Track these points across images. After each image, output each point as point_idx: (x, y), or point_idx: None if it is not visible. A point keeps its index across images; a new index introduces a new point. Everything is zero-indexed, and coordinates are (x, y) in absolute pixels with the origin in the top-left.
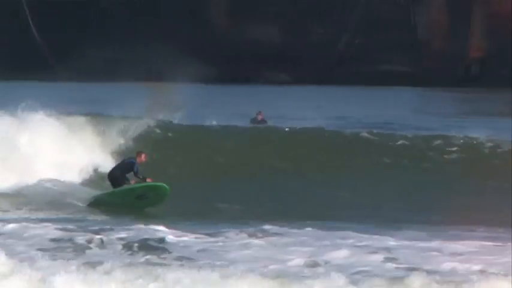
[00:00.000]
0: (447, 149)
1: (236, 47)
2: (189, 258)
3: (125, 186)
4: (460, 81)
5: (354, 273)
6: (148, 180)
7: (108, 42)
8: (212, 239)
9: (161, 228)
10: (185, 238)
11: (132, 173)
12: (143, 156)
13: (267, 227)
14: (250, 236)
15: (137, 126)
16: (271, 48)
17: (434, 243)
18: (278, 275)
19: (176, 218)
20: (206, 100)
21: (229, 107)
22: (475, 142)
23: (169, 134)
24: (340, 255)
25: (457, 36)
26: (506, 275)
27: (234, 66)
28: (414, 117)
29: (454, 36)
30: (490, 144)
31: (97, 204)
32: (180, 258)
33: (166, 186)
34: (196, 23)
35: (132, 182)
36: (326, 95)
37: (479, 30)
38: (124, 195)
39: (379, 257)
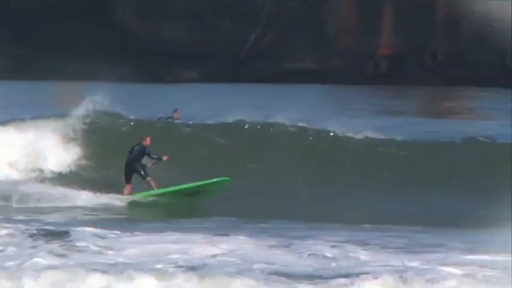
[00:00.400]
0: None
1: (146, 45)
2: None
3: (181, 186)
4: (368, 78)
5: None
6: (164, 158)
7: (20, 41)
8: None
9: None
10: None
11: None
12: (148, 139)
13: None
14: None
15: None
16: (181, 46)
17: None
18: None
19: None
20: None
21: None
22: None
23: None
24: None
25: (366, 34)
26: None
27: (145, 64)
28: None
29: (363, 34)
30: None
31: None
32: None
33: (227, 179)
34: (106, 22)
35: (149, 165)
36: (236, 92)
37: (389, 28)
38: (176, 195)
39: None
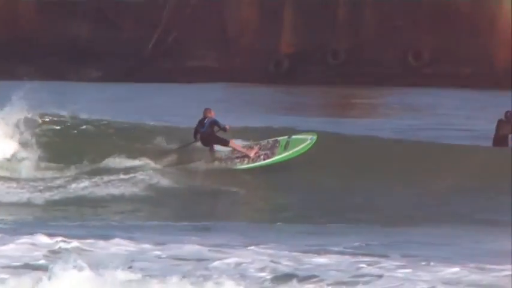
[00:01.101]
0: None
1: (49, 43)
2: None
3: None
4: (270, 77)
5: None
6: (227, 127)
7: None
8: None
9: None
10: None
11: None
12: (212, 112)
13: None
14: None
15: None
16: (82, 44)
17: None
18: None
19: None
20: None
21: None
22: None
23: None
24: None
25: (267, 33)
26: None
27: (48, 63)
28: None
29: (265, 32)
30: None
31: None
32: None
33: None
34: (7, 19)
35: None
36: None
37: (290, 26)
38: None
39: None
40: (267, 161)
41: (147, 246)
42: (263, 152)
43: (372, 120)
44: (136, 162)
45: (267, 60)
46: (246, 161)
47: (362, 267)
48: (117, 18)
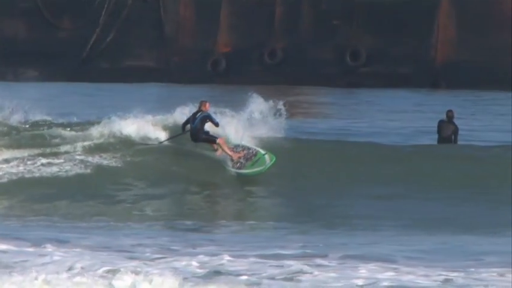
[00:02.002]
0: None
1: None
2: None
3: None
4: (208, 76)
5: None
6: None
7: None
8: None
9: None
10: None
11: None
12: (207, 105)
13: None
14: None
15: None
16: (21, 44)
17: None
18: None
19: None
20: None
21: None
22: None
23: None
24: None
25: (204, 32)
26: None
27: None
28: None
29: (202, 31)
30: None
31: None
32: None
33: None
34: None
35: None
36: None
37: (227, 25)
38: None
39: None
40: (237, 170)
41: None
42: (242, 160)
43: (308, 121)
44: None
45: (204, 59)
46: (229, 164)
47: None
48: (55, 19)
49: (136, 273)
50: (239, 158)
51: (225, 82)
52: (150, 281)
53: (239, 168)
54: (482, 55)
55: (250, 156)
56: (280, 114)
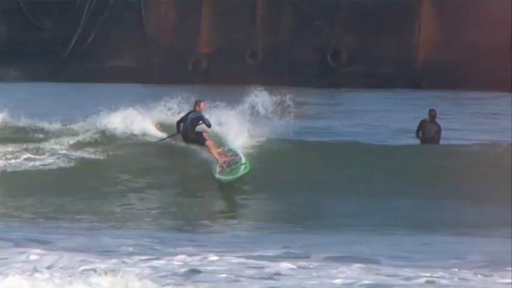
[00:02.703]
0: None
1: None
2: None
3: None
4: (188, 76)
5: None
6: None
7: None
8: None
9: None
10: None
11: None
12: (202, 104)
13: None
14: None
15: None
16: (1, 44)
17: None
18: None
19: None
20: None
21: None
22: None
23: None
24: None
25: (185, 32)
26: None
27: None
28: None
29: (183, 32)
30: None
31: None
32: None
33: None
34: None
35: (205, 135)
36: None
37: (208, 25)
38: None
39: None
40: (215, 174)
41: None
42: (225, 165)
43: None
44: None
45: (185, 60)
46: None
47: None
48: (36, 19)
49: (114, 274)
50: (224, 162)
51: (206, 82)
52: (126, 282)
53: (219, 172)
54: (463, 55)
55: (231, 163)
56: (289, 112)
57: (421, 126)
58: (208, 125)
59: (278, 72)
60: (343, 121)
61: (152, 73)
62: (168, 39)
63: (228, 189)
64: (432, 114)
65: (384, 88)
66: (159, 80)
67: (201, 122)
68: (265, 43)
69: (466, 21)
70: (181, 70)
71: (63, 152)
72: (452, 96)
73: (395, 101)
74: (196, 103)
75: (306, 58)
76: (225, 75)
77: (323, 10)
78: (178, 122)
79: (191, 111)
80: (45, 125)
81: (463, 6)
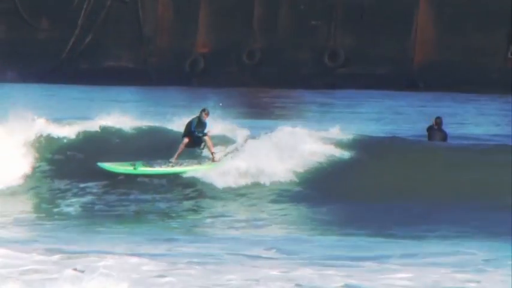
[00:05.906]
0: None
1: None
2: None
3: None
4: (186, 77)
5: None
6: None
7: None
8: None
9: None
10: None
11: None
12: (206, 114)
13: None
14: None
15: None
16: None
17: None
18: None
19: None
20: None
21: None
22: None
23: None
24: None
25: (183, 32)
26: None
27: None
28: None
29: (180, 32)
30: None
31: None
32: None
33: None
34: None
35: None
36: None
37: (206, 25)
38: None
39: None
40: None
41: None
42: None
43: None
44: None
45: (183, 60)
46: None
47: None
48: (33, 19)
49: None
50: (214, 156)
51: (203, 82)
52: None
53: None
54: (461, 56)
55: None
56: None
57: (428, 132)
58: (206, 133)
59: (275, 72)
60: (338, 121)
61: (149, 73)
62: (165, 39)
63: (201, 185)
64: (437, 122)
65: (381, 89)
66: (156, 80)
67: (204, 128)
68: (263, 43)
69: (462, 22)
70: (178, 70)
71: None
72: (448, 96)
73: (392, 101)
74: (202, 112)
75: (303, 58)
76: (222, 76)
77: (320, 11)
78: (187, 132)
79: (196, 120)
80: None
81: (460, 7)
